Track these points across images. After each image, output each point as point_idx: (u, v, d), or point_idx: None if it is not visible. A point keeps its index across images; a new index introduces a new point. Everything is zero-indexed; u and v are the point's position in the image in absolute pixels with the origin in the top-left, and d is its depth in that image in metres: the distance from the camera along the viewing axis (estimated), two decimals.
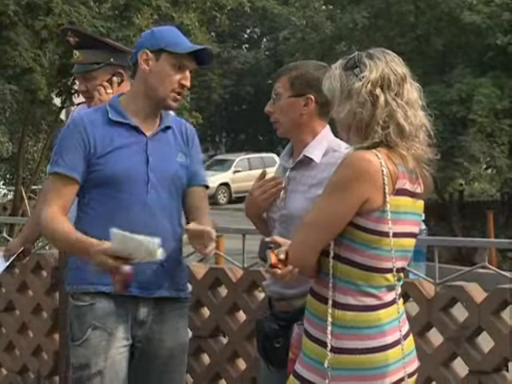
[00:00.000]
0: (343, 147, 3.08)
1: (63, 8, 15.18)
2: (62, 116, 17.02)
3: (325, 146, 3.14)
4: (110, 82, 3.72)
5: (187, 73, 3.13)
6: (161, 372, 3.21)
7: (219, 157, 35.94)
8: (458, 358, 3.61)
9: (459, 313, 3.65)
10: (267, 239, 2.72)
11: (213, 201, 29.30)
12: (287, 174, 3.17)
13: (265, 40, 46.06)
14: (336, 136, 3.10)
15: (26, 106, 16.80)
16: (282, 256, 2.61)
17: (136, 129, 3.11)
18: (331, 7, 27.84)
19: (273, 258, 2.61)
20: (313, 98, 3.10)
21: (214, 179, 30.00)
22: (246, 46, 45.67)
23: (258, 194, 3.13)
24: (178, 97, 3.14)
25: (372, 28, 23.63)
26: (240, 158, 31.17)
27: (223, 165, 31.39)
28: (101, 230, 2.94)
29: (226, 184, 29.98)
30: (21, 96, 15.86)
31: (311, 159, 3.12)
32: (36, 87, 15.23)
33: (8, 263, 4.06)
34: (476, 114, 18.89)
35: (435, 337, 3.66)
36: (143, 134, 3.13)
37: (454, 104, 19.33)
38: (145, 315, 3.15)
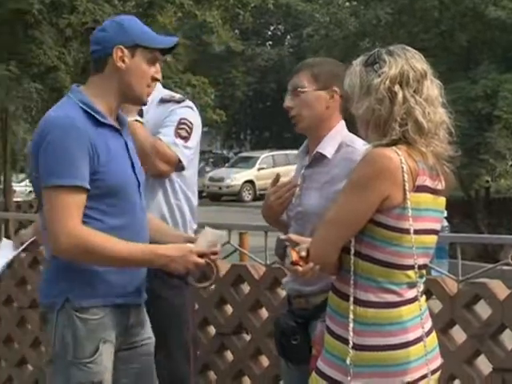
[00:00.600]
0: (357, 142, 3.10)
1: (87, 6, 15.29)
2: None
3: (338, 141, 3.14)
4: None
5: (158, 65, 3.05)
6: (138, 374, 3.08)
7: (244, 154, 35.99)
8: (482, 356, 3.59)
9: (482, 310, 3.62)
10: (282, 237, 2.73)
11: (237, 198, 29.40)
12: (302, 171, 3.18)
13: (288, 37, 46.03)
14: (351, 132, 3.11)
15: (50, 105, 16.89)
16: (304, 253, 2.62)
17: (116, 129, 2.97)
18: (355, 3, 27.77)
19: (294, 256, 2.61)
20: (338, 90, 3.11)
21: (239, 176, 30.10)
22: (270, 43, 45.66)
23: (273, 199, 3.12)
24: (150, 91, 3.05)
25: (396, 24, 23.51)
26: (265, 156, 31.18)
27: (248, 162, 31.42)
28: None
29: (250, 181, 30.01)
30: (46, 94, 15.95)
31: (324, 155, 3.12)
32: (61, 85, 15.34)
33: (18, 251, 4.08)
34: (501, 110, 18.74)
35: (458, 334, 3.64)
36: (121, 134, 2.99)
37: (479, 100, 19.20)
38: (132, 322, 3.03)
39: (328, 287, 2.72)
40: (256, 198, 28.40)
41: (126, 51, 2.91)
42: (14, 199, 19.67)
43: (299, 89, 3.13)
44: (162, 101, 3.74)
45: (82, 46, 14.94)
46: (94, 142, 2.81)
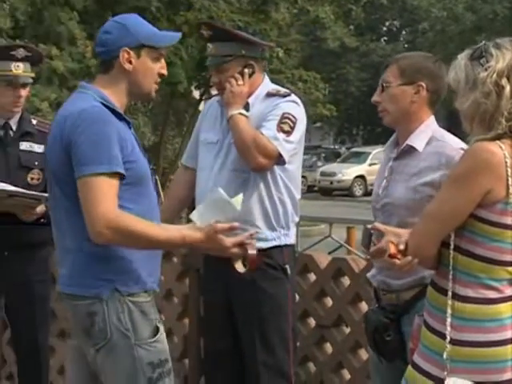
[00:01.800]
0: (447, 137, 3.08)
1: (203, 3, 15.47)
2: (201, 108, 17.36)
3: (428, 134, 3.11)
4: (242, 73, 3.73)
5: (163, 61, 3.03)
6: None
7: (356, 149, 35.76)
8: None
9: None
10: (369, 226, 2.72)
11: (348, 193, 29.28)
12: (390, 163, 3.17)
13: (404, 32, 45.52)
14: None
15: (167, 99, 17.21)
16: (402, 246, 2.61)
17: (128, 123, 3.00)
18: None
19: (392, 248, 2.61)
20: (424, 85, 3.08)
21: (350, 171, 29.96)
22: (385, 38, 45.24)
23: None
24: (157, 86, 3.05)
25: None
26: (376, 151, 30.85)
27: (359, 157, 31.25)
28: None
29: (361, 176, 29.83)
30: (161, 90, 16.28)
31: (414, 148, 3.10)
32: (176, 80, 15.60)
33: None
34: None
35: None
36: (130, 128, 3.01)
37: None
38: None
39: (416, 282, 2.70)
40: (367, 193, 28.20)
41: (131, 52, 2.92)
42: None
43: (385, 84, 3.12)
44: (268, 95, 3.76)
45: (197, 42, 15.16)
46: (121, 133, 2.86)
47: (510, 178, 2.49)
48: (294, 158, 3.74)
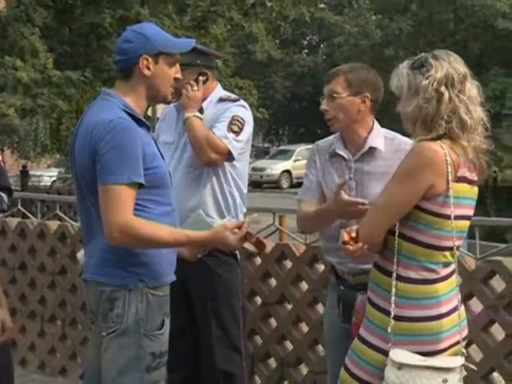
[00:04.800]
0: (397, 135, 3.06)
1: (150, 20, 15.31)
2: (149, 113, 17.16)
3: (382, 136, 3.08)
4: (197, 80, 3.67)
5: (177, 66, 2.92)
6: None
7: (282, 147, 35.94)
8: (496, 324, 3.53)
9: (497, 284, 3.55)
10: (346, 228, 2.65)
11: (276, 185, 29.39)
12: (352, 165, 3.09)
13: (322, 46, 45.75)
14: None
15: None
16: (354, 234, 2.59)
17: (148, 128, 2.89)
18: (380, 17, 27.53)
19: (345, 236, 2.58)
20: (369, 95, 3.05)
21: (278, 167, 30.07)
22: (306, 51, 45.42)
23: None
24: (173, 90, 2.96)
25: (416, 35, 23.33)
26: (300, 149, 31.06)
27: (285, 154, 31.38)
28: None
29: (287, 171, 29.99)
30: None
31: (375, 148, 3.05)
32: None
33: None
34: (509, 109, 18.51)
35: (476, 305, 3.57)
36: (149, 131, 2.90)
37: (489, 101, 18.86)
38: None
39: None
40: (292, 186, 28.37)
41: (150, 59, 2.80)
42: None
43: (334, 94, 3.06)
44: (220, 100, 3.72)
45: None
46: (143, 141, 2.74)
47: (449, 174, 2.48)
48: (241, 156, 3.70)
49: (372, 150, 3.05)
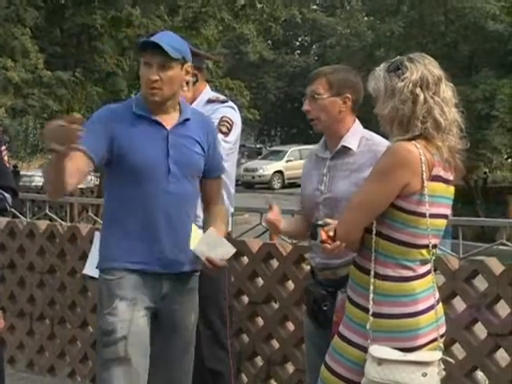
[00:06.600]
0: (375, 136, 3.10)
1: (142, 21, 15.33)
2: None
3: (359, 136, 3.12)
4: (186, 81, 3.70)
5: (153, 68, 2.91)
6: (182, 341, 3.08)
7: (274, 148, 35.92)
8: (479, 323, 3.57)
9: (480, 283, 3.59)
10: (320, 222, 2.72)
11: (268, 186, 29.38)
12: (327, 163, 3.15)
13: (314, 47, 45.77)
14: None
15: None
16: (331, 233, 2.62)
17: (157, 122, 2.96)
18: (372, 18, 27.58)
19: (323, 235, 2.61)
20: (349, 96, 3.09)
21: (270, 167, 30.07)
22: (298, 52, 45.42)
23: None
24: (154, 91, 2.93)
25: (407, 36, 23.37)
26: (292, 149, 31.10)
27: (278, 155, 31.38)
28: (134, 215, 2.92)
29: (280, 172, 29.98)
30: (105, 96, 16.07)
31: (349, 148, 3.10)
32: (118, 88, 15.42)
33: None
34: (498, 111, 18.61)
35: (459, 304, 3.61)
36: (164, 127, 2.97)
37: (479, 102, 19.06)
38: (167, 290, 3.01)
39: (351, 261, 2.70)
40: (284, 186, 28.37)
41: (141, 59, 2.97)
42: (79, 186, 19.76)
43: (316, 95, 3.10)
44: (209, 101, 3.74)
45: (136, 54, 15.01)
46: (115, 127, 2.90)
47: (424, 173, 2.51)
48: (229, 156, 3.72)
49: (345, 148, 3.10)
